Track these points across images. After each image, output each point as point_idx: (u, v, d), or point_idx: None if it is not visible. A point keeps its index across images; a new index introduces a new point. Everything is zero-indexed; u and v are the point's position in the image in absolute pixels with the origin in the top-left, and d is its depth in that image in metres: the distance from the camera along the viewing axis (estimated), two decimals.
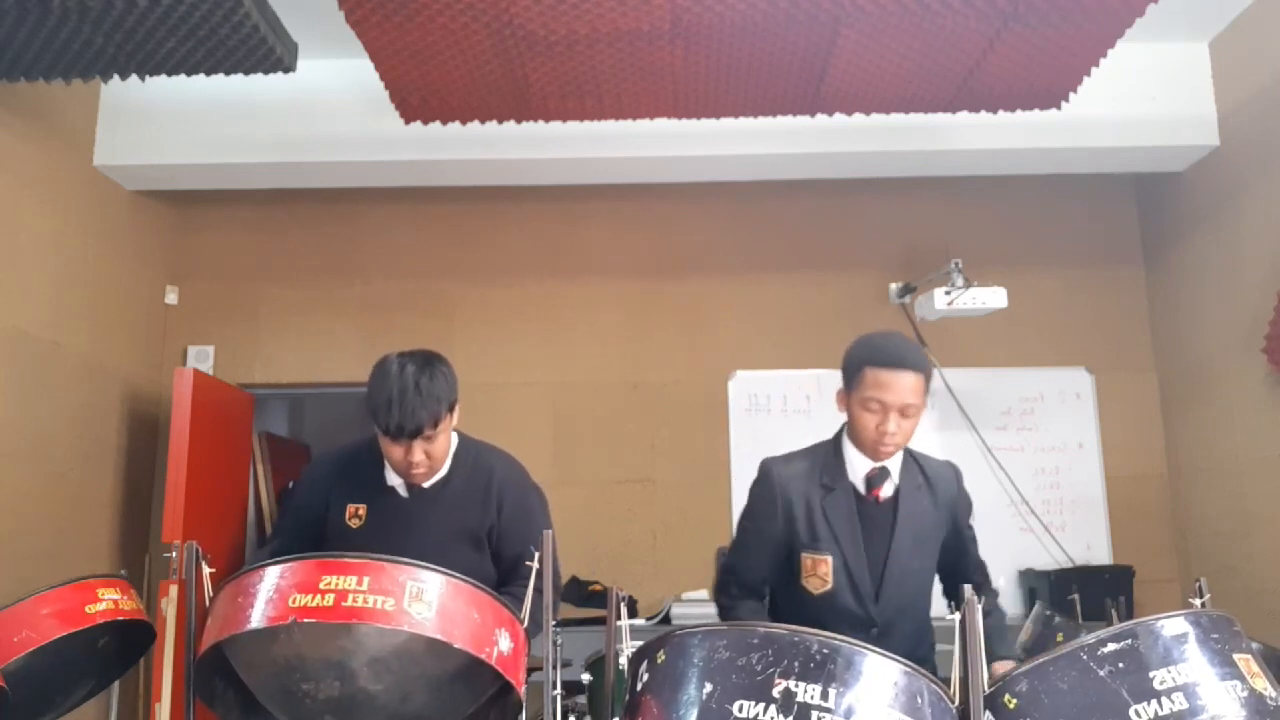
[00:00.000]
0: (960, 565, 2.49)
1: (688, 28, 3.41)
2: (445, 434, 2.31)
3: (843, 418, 2.38)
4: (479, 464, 2.43)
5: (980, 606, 1.55)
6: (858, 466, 2.34)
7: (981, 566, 2.54)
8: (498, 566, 2.44)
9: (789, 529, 2.34)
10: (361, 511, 2.37)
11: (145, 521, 5.05)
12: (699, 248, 5.40)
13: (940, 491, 2.40)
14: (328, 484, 2.43)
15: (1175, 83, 4.63)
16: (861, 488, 2.33)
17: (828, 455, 2.39)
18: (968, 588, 1.56)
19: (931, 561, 2.43)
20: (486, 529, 2.40)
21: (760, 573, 2.41)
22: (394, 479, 2.38)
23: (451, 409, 2.30)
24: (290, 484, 5.21)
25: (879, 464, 2.33)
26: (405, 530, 2.34)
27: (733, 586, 2.43)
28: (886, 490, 2.33)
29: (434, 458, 2.30)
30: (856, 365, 2.29)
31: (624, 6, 3.27)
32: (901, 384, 2.22)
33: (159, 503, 4.95)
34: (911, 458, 2.42)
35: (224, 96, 4.54)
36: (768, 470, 2.40)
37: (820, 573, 2.30)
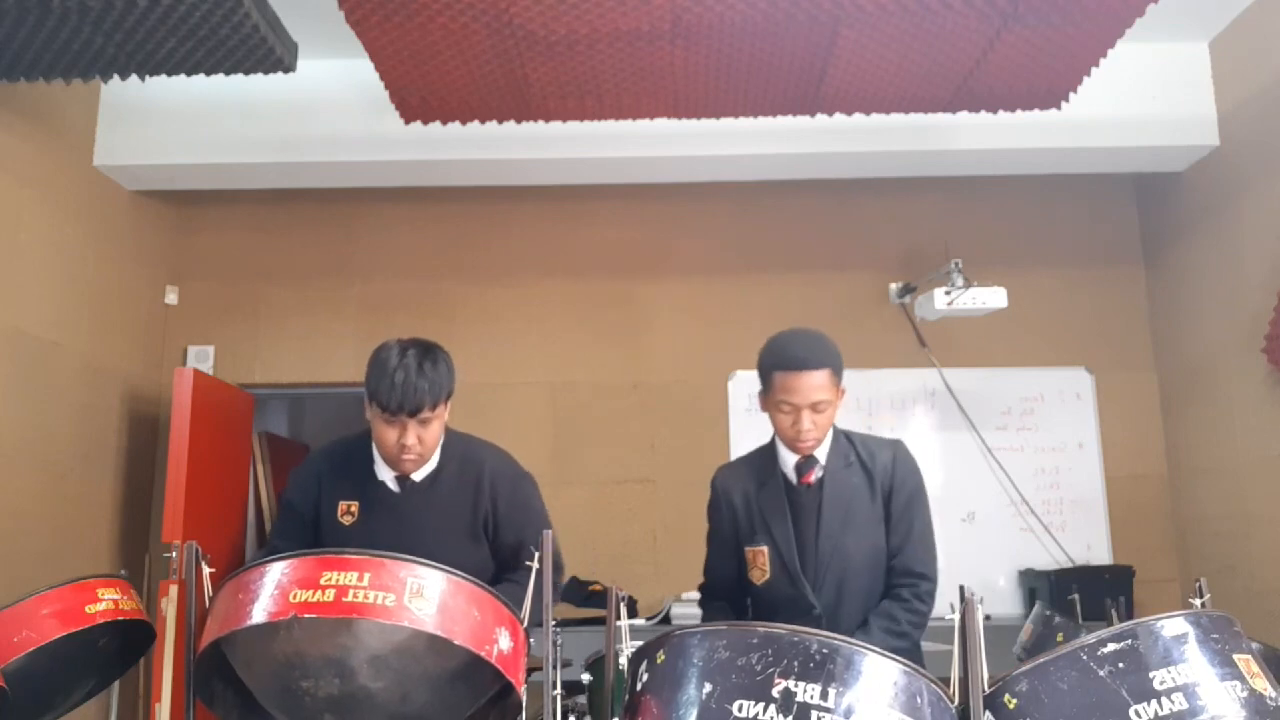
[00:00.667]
0: (899, 545, 2.38)
1: (688, 28, 3.41)
2: (439, 422, 2.33)
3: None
4: (468, 457, 2.44)
5: (979, 606, 1.54)
6: (788, 459, 2.41)
7: (920, 558, 2.38)
8: (497, 555, 2.45)
9: (734, 529, 2.46)
10: (354, 508, 2.38)
11: (145, 521, 5.05)
12: (699, 248, 5.40)
13: (876, 468, 2.40)
14: (317, 482, 2.44)
15: (1175, 83, 4.63)
16: (794, 478, 2.40)
17: (764, 453, 2.49)
18: (967, 586, 1.56)
19: (873, 540, 2.38)
20: (481, 522, 2.41)
21: (723, 573, 2.52)
22: (384, 474, 2.39)
23: (448, 397, 2.32)
24: None
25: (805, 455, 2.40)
26: (398, 525, 2.35)
27: (707, 589, 2.59)
28: (818, 474, 2.39)
29: (425, 444, 2.31)
30: (766, 371, 2.36)
31: (624, 6, 3.27)
32: (808, 383, 2.28)
33: (159, 503, 4.95)
34: (845, 438, 2.44)
35: (224, 96, 4.54)
36: (713, 479, 2.55)
37: (759, 564, 2.40)
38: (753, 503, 2.43)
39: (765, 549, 2.39)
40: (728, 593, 2.53)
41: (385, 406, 2.24)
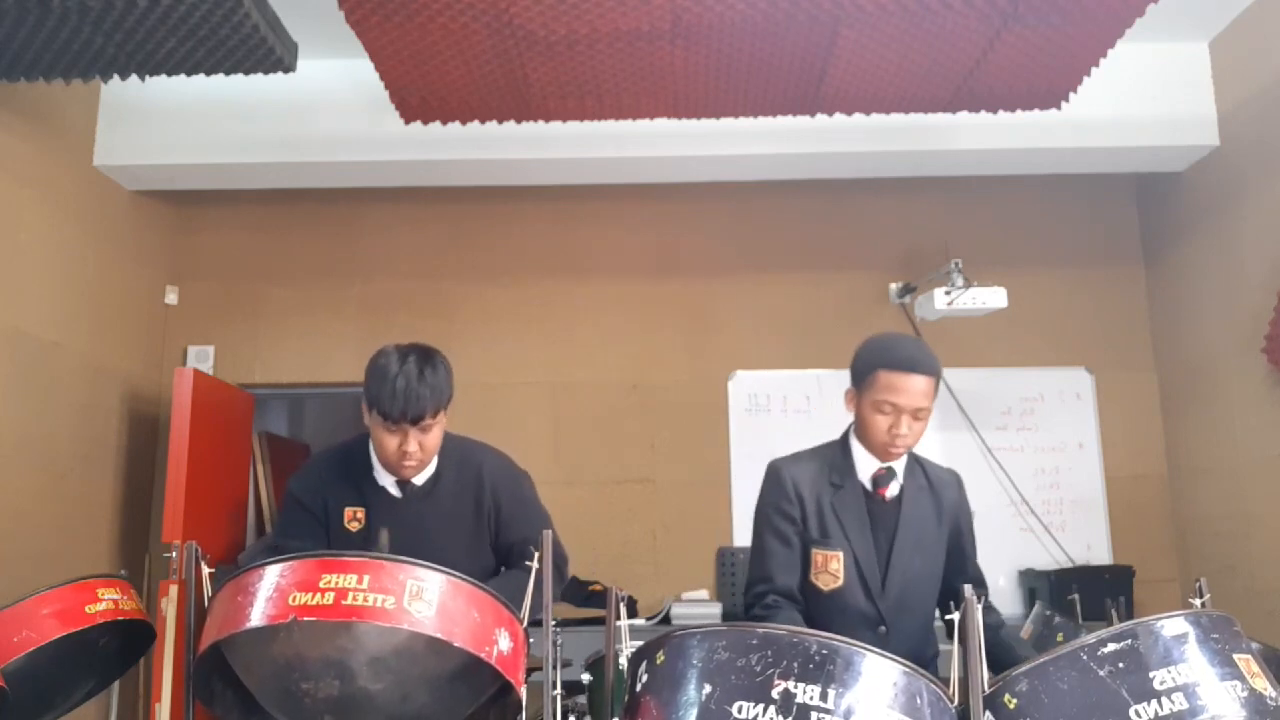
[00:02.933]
0: (956, 577, 2.42)
1: (688, 28, 3.41)
2: (440, 427, 2.33)
3: (849, 417, 2.40)
4: (466, 459, 2.45)
5: (980, 606, 1.54)
6: (865, 466, 2.36)
7: (978, 579, 2.49)
8: (499, 553, 2.47)
9: (803, 525, 2.34)
10: (360, 514, 2.38)
11: (145, 521, 5.05)
12: (699, 248, 5.40)
13: (944, 497, 2.42)
14: (324, 487, 2.43)
15: (1175, 83, 4.63)
16: (869, 486, 2.35)
17: (835, 454, 2.40)
18: (967, 587, 1.56)
19: (935, 565, 2.41)
20: (486, 522, 2.42)
21: (794, 575, 2.33)
22: (384, 479, 2.39)
23: (449, 400, 2.32)
24: None
25: (886, 464, 2.34)
26: (404, 530, 2.34)
27: (768, 597, 2.31)
28: (892, 490, 2.35)
29: (426, 450, 2.31)
30: (869, 367, 2.30)
31: (624, 6, 3.27)
32: (914, 387, 2.24)
33: (159, 503, 4.95)
34: (915, 461, 2.43)
35: (224, 96, 4.54)
36: (778, 469, 2.40)
37: (831, 569, 2.31)
38: (826, 503, 2.33)
39: (840, 554, 2.31)
40: (794, 597, 2.32)
41: (387, 415, 2.23)
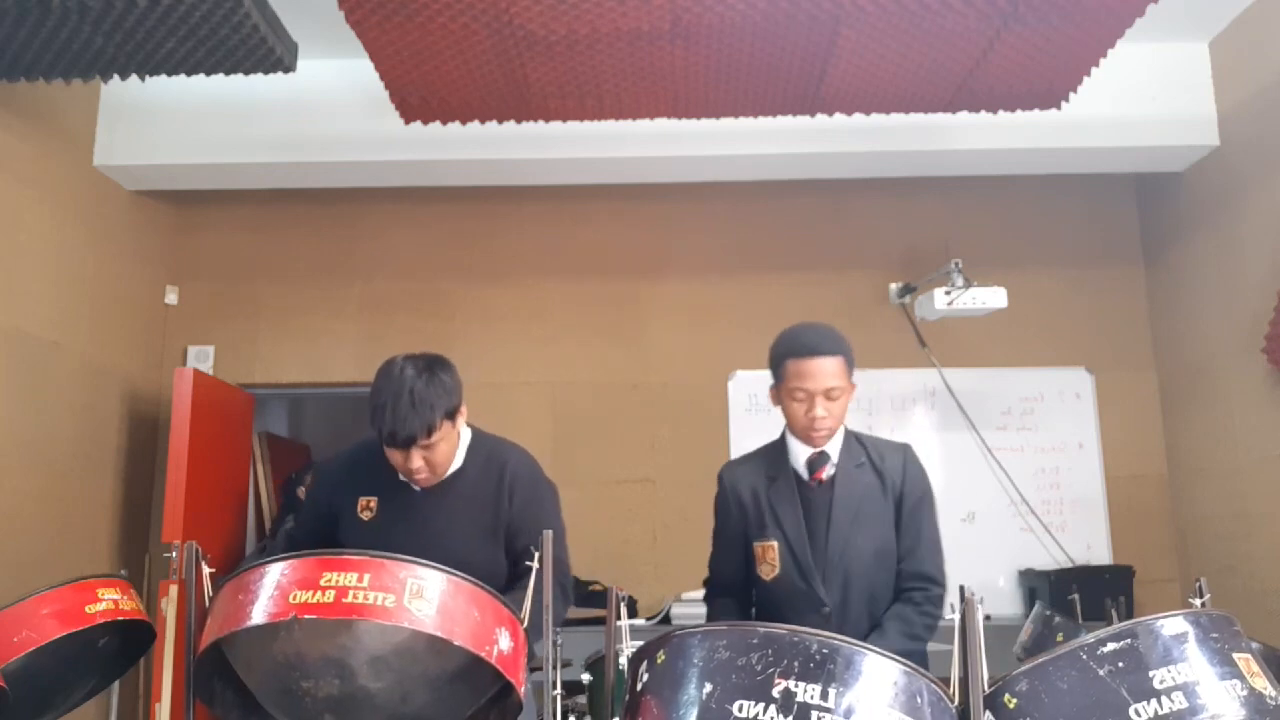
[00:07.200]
0: (909, 548, 2.39)
1: (688, 28, 3.42)
2: (446, 441, 2.28)
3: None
4: (493, 458, 2.41)
5: (979, 606, 1.54)
6: (799, 454, 2.42)
7: (931, 562, 2.39)
8: (508, 559, 2.43)
9: (743, 524, 2.45)
10: (373, 504, 2.36)
11: (145, 521, 5.05)
12: (699, 248, 5.40)
13: (887, 470, 2.41)
14: (336, 484, 2.43)
15: (1175, 83, 4.63)
16: (805, 474, 2.40)
17: (774, 450, 2.50)
18: (967, 586, 1.56)
19: (883, 541, 2.38)
20: (503, 522, 2.38)
21: (731, 570, 2.51)
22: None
23: (451, 416, 2.27)
24: (292, 474, 5.20)
25: (818, 449, 2.40)
26: (416, 523, 2.33)
27: (712, 585, 2.58)
28: (828, 472, 2.40)
29: (434, 464, 2.27)
30: (779, 360, 2.39)
31: (624, 6, 3.27)
32: (821, 369, 2.31)
33: (159, 503, 4.95)
34: (855, 439, 2.46)
35: (224, 96, 4.54)
36: (721, 476, 2.55)
37: (769, 559, 2.40)
38: (762, 498, 2.42)
39: (775, 544, 2.38)
40: (733, 590, 2.52)
41: (379, 437, 2.22)
